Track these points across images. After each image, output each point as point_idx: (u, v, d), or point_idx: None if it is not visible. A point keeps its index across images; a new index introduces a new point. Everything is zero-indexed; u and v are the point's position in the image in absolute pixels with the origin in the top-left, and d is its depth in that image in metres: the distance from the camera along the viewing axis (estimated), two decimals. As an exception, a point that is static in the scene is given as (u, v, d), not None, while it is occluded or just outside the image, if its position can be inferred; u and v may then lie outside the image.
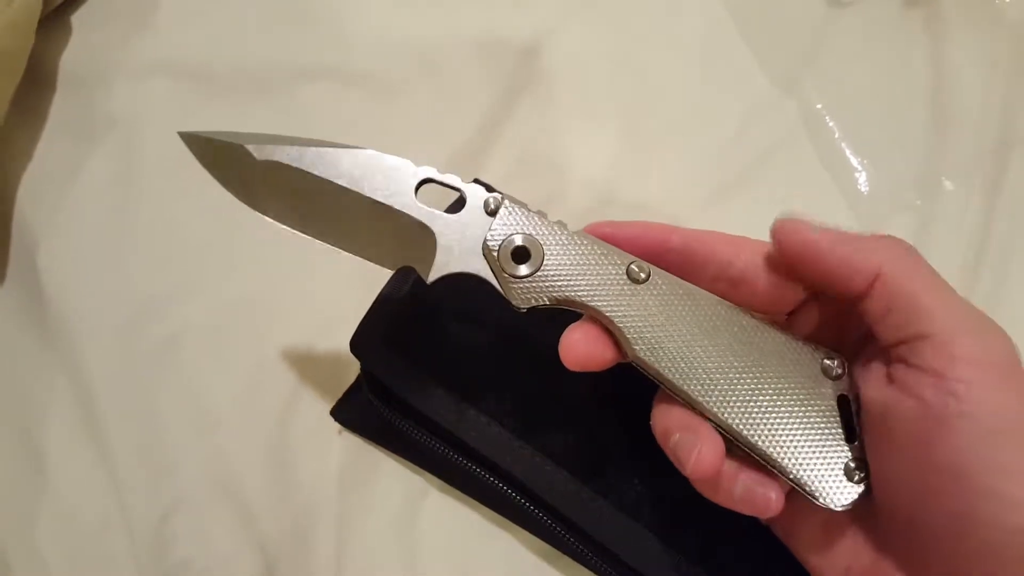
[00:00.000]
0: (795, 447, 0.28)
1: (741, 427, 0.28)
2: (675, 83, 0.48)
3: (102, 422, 0.42)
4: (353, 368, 0.39)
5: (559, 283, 0.29)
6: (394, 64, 0.49)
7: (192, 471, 0.41)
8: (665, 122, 0.47)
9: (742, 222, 0.44)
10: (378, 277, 0.38)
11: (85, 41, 0.51)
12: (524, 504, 0.36)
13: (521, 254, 0.29)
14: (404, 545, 0.39)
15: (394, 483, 0.40)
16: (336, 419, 0.41)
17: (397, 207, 0.30)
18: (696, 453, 0.27)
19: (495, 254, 0.29)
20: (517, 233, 0.29)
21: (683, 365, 0.28)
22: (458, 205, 0.30)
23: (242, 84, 0.49)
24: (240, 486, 0.41)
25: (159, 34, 0.51)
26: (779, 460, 0.28)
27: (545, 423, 0.36)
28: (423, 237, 0.30)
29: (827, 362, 0.28)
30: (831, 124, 0.46)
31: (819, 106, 0.47)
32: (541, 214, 0.30)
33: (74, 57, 0.51)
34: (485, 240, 0.30)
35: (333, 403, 0.41)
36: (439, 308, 0.37)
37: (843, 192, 0.45)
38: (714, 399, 0.28)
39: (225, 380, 0.43)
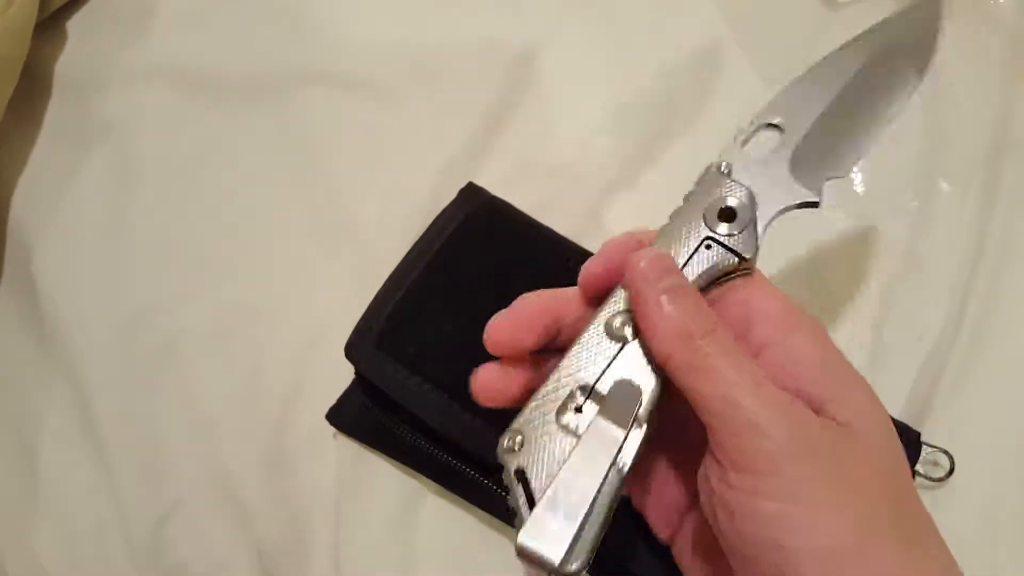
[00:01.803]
0: None
1: None
2: (671, 87, 0.48)
3: (99, 426, 0.42)
4: (349, 372, 0.39)
5: None
6: (391, 69, 0.49)
7: (189, 475, 0.41)
8: (661, 126, 0.47)
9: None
10: (374, 282, 0.38)
11: (81, 46, 0.51)
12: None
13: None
14: (400, 549, 0.39)
15: (390, 487, 0.40)
16: (332, 423, 0.41)
17: None
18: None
19: None
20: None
21: None
22: None
23: (238, 89, 0.49)
24: (237, 490, 0.41)
25: (155, 39, 0.51)
26: None
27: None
28: None
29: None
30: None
31: (815, 108, 0.46)
32: None
33: (70, 62, 0.51)
34: None
35: (329, 407, 0.41)
36: (434, 311, 0.37)
37: (839, 194, 0.45)
38: None
39: (222, 384, 0.43)
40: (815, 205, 0.30)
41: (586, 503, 0.24)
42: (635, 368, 0.27)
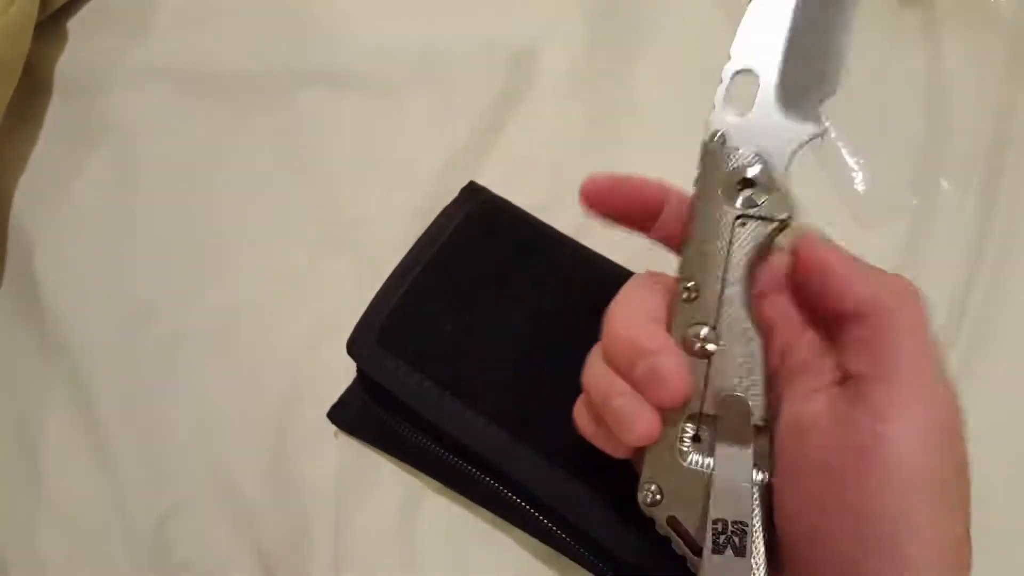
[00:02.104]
0: None
1: None
2: (671, 85, 0.48)
3: (101, 426, 0.42)
4: (350, 371, 0.39)
5: None
6: (392, 69, 0.49)
7: (191, 474, 0.41)
8: (661, 124, 0.47)
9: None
10: (375, 281, 0.38)
11: (82, 46, 0.51)
12: (522, 505, 0.36)
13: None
14: (402, 547, 0.39)
15: (392, 485, 0.40)
16: (333, 421, 0.41)
17: None
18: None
19: None
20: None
21: None
22: None
23: (239, 89, 0.49)
24: (238, 489, 0.41)
25: (156, 39, 0.51)
26: None
27: (543, 422, 0.36)
28: None
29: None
30: (827, 124, 0.46)
31: (815, 106, 0.47)
32: None
33: (70, 62, 0.51)
34: None
35: (330, 406, 0.41)
36: (435, 310, 0.37)
37: (840, 192, 0.45)
38: None
39: (223, 383, 0.43)
40: (821, 136, 0.29)
41: (744, 531, 0.24)
42: (731, 377, 0.26)
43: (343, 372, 0.40)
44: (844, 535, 0.24)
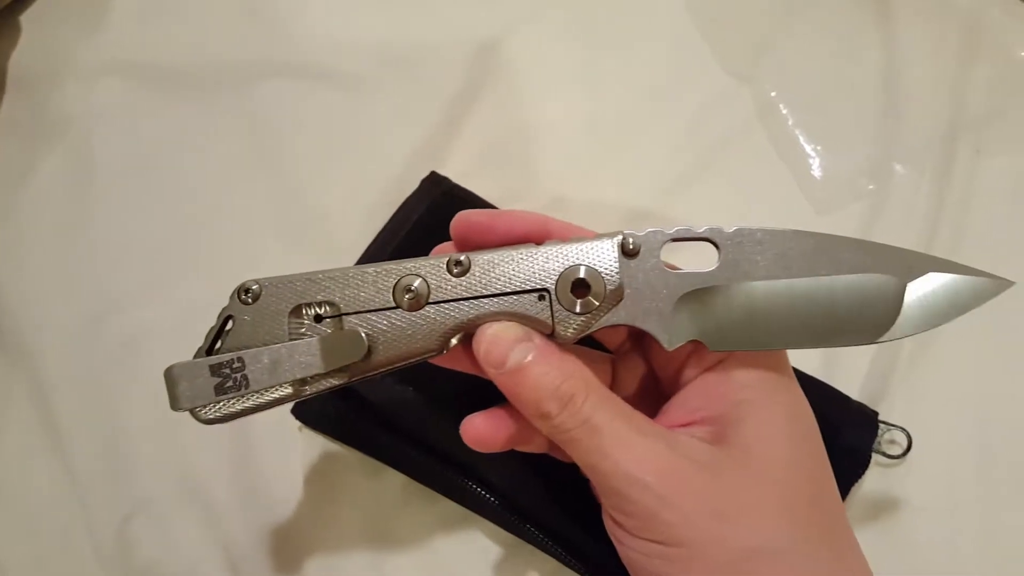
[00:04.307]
0: None
1: None
2: (633, 76, 0.48)
3: (60, 426, 0.42)
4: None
5: None
6: (354, 60, 0.49)
7: (154, 472, 0.41)
8: (624, 115, 0.48)
9: (699, 211, 0.45)
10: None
11: (35, 40, 0.50)
12: (487, 498, 0.36)
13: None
14: (368, 539, 0.39)
15: (355, 478, 0.40)
16: (297, 417, 0.40)
17: None
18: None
19: None
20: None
21: None
22: None
23: (198, 82, 0.49)
24: (202, 486, 0.40)
25: (112, 33, 0.50)
26: None
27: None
28: None
29: None
30: (785, 112, 0.47)
31: (773, 94, 0.47)
32: None
33: (24, 57, 0.50)
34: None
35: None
36: None
37: (797, 178, 0.45)
38: None
39: (186, 380, 0.42)
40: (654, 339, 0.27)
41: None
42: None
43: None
44: None
